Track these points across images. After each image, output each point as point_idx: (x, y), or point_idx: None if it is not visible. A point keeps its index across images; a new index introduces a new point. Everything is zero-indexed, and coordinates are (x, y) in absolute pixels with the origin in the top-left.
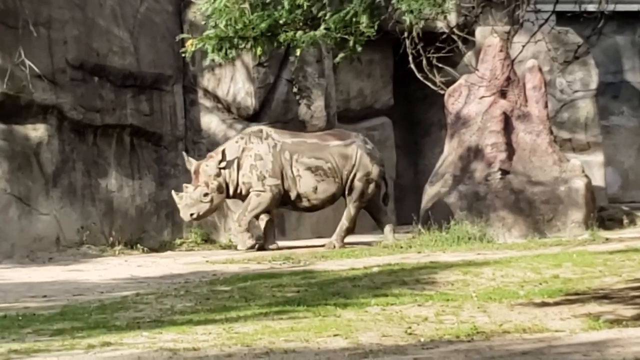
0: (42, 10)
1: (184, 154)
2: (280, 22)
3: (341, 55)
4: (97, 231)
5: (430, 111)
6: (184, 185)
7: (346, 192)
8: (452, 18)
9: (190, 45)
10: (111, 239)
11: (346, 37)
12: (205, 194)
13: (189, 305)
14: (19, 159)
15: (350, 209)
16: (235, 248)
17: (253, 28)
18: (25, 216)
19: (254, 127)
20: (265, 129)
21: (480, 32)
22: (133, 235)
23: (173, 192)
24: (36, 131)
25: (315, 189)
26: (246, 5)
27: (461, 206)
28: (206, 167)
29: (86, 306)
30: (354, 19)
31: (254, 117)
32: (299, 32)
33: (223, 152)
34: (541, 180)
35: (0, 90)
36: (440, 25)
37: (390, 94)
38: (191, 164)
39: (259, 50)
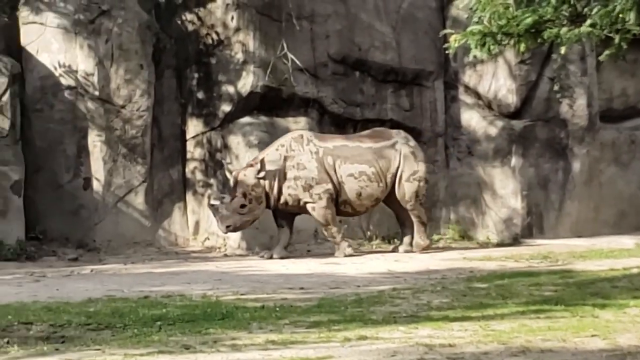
0: (306, 4)
1: (224, 162)
2: (545, 18)
3: (606, 53)
4: (355, 225)
5: None
6: (221, 195)
7: (397, 196)
8: None
9: (454, 41)
10: (369, 233)
11: (611, 34)
12: (243, 205)
13: (445, 301)
14: None
15: (415, 213)
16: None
17: (517, 24)
18: None
19: (294, 133)
20: (306, 134)
21: None
22: (390, 230)
23: (208, 202)
24: (297, 124)
25: (360, 195)
26: (510, 0)
27: None
28: (244, 177)
29: (343, 299)
30: (620, 16)
31: (515, 115)
32: (564, 29)
33: (262, 162)
34: None
35: (262, 83)
36: None
37: None
38: (231, 173)
39: (522, 47)
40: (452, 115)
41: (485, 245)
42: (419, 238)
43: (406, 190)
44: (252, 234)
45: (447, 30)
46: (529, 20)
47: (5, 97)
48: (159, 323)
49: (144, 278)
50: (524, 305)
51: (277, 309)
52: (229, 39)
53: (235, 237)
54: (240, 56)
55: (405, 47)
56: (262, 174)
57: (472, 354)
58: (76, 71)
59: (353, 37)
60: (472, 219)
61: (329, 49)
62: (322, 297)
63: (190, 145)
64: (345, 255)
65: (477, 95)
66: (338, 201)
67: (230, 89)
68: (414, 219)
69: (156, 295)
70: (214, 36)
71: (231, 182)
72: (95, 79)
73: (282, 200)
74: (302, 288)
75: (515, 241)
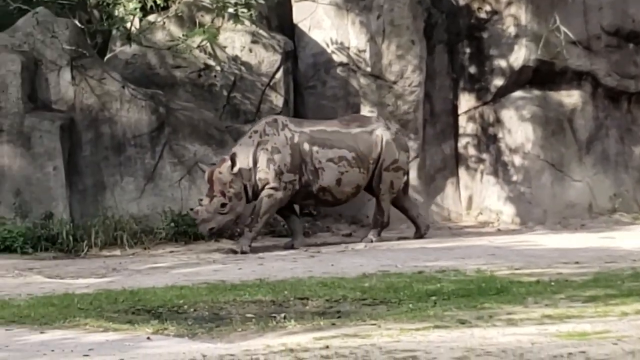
0: None
1: (200, 164)
2: None
3: None
4: (629, 199)
5: None
6: (199, 199)
7: (374, 183)
8: None
9: None
10: None
11: None
12: (223, 205)
13: None
14: (553, 125)
15: (381, 203)
16: None
17: None
18: (558, 182)
19: (268, 118)
20: (280, 118)
21: None
22: None
23: (189, 210)
24: (570, 98)
25: (339, 181)
26: None
27: None
28: (219, 175)
29: (619, 273)
30: None
31: None
32: None
33: (233, 156)
34: None
35: (534, 57)
36: None
37: None
38: (205, 172)
39: None
40: None
41: None
42: (373, 234)
43: (383, 178)
44: (526, 208)
45: None
46: None
47: (279, 75)
48: (433, 298)
49: (418, 253)
50: None
51: (552, 283)
52: (500, 12)
53: (509, 212)
54: (512, 30)
55: None
56: (235, 169)
57: None
58: (348, 48)
59: (627, 8)
60: None
61: (601, 21)
62: (597, 271)
63: (462, 120)
64: (242, 251)
65: None
66: (316, 188)
67: (502, 63)
68: (376, 213)
69: (430, 270)
70: (486, 10)
71: (207, 182)
72: (367, 55)
73: (256, 188)
74: (577, 262)
75: None
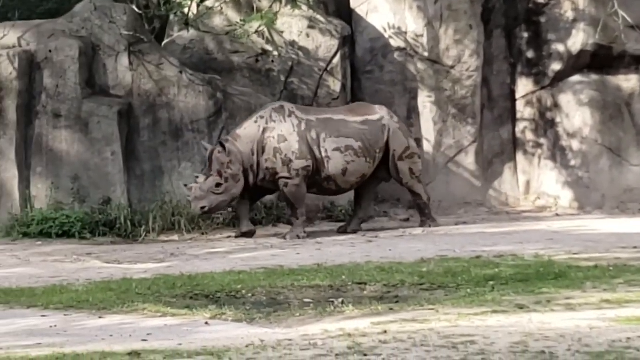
0: None
1: (202, 142)
2: None
3: None
4: None
5: None
6: (195, 175)
7: (392, 175)
8: None
9: None
10: None
11: None
12: (218, 184)
13: None
14: (611, 110)
15: (412, 189)
16: None
17: None
18: (616, 167)
19: (275, 104)
20: (287, 105)
21: None
22: None
23: (182, 186)
24: (628, 82)
25: (345, 170)
26: None
27: None
28: (218, 155)
29: None
30: None
31: None
32: None
33: (222, 141)
34: None
35: (592, 41)
36: None
37: None
38: (206, 150)
39: None
40: None
41: None
42: (426, 218)
43: (401, 169)
44: (584, 193)
45: None
46: None
47: (336, 60)
48: (491, 283)
49: (476, 238)
50: None
51: (611, 268)
52: None
53: (567, 197)
54: (570, 14)
55: None
56: (224, 155)
57: None
58: (405, 32)
59: None
60: None
61: None
62: None
63: (520, 105)
64: (298, 237)
65: None
66: (321, 177)
67: (560, 47)
68: (414, 200)
69: (488, 255)
70: None
71: (206, 161)
72: (424, 40)
73: (260, 175)
74: (635, 247)
75: None
